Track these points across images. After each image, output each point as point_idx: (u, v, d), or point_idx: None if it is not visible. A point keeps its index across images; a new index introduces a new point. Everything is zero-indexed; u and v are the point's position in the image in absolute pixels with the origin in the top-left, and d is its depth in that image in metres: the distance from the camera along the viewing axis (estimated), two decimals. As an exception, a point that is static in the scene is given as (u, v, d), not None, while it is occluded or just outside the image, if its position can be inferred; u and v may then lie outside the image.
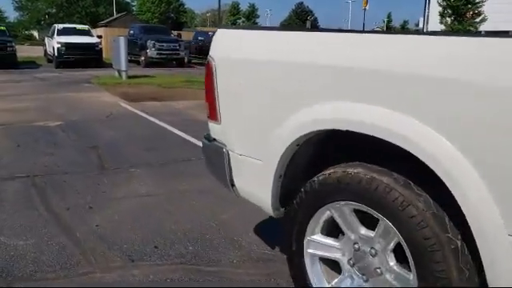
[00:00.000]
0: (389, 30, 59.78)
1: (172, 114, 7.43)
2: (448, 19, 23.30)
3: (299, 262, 1.88)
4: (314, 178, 1.76)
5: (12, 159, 4.61)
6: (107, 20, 37.78)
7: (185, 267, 2.47)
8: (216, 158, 2.19)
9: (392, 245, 1.58)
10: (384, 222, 1.55)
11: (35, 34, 51.99)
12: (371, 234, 1.65)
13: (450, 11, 23.19)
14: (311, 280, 1.87)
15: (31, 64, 18.72)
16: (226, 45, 2.08)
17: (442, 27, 23.30)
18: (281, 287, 2.31)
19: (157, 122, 6.78)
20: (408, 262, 1.53)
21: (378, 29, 60.54)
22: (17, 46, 17.79)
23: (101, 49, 18.23)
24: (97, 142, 5.37)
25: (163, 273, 2.42)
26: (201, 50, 21.16)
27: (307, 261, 1.86)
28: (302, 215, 1.82)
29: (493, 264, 1.30)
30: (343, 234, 1.76)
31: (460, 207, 1.33)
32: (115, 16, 40.08)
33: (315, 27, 48.67)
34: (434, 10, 24.42)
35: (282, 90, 1.81)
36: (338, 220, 1.72)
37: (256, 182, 2.00)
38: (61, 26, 19.53)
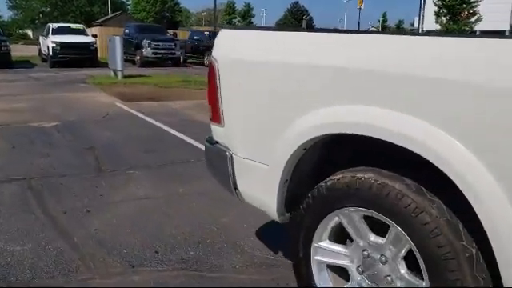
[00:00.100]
0: (384, 29, 59.93)
1: (169, 115, 7.37)
2: (443, 19, 23.37)
3: (306, 269, 1.83)
4: (321, 183, 1.71)
5: (7, 161, 4.54)
6: (102, 19, 37.57)
7: (186, 273, 2.42)
8: (219, 162, 2.15)
9: (403, 252, 1.54)
10: (395, 229, 1.51)
11: (29, 33, 51.67)
12: (381, 240, 1.60)
13: (445, 11, 23.27)
14: None
15: (25, 63, 18.55)
16: (230, 46, 2.03)
17: (438, 27, 23.38)
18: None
19: (154, 122, 6.72)
20: (419, 270, 1.49)
21: (373, 28, 60.66)
22: (11, 46, 17.63)
23: (96, 48, 18.10)
24: (93, 143, 5.30)
25: (164, 279, 2.36)
26: (196, 50, 21.09)
27: (314, 268, 1.82)
28: (309, 221, 1.77)
29: (508, 265, 1.26)
30: (351, 240, 1.72)
31: (473, 213, 1.29)
32: (110, 15, 39.87)
33: (311, 27, 48.71)
34: (430, 9, 24.48)
35: (289, 92, 1.76)
36: (347, 226, 1.67)
37: (261, 186, 1.95)
38: (55, 25, 19.37)
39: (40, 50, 20.19)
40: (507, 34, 23.64)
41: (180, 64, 19.24)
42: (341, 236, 1.76)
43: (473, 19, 23.05)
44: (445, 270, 1.39)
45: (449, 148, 1.31)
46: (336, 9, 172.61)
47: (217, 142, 2.17)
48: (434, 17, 23.35)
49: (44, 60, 18.84)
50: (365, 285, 1.69)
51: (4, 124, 6.32)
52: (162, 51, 18.61)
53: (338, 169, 1.70)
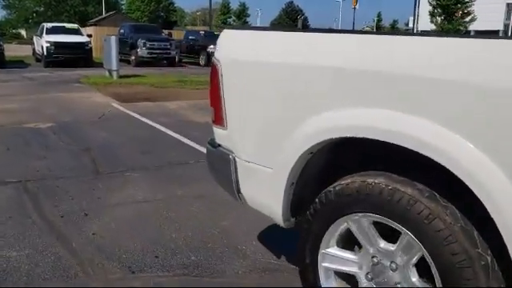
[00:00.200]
0: (378, 29, 60.07)
1: (166, 115, 7.30)
2: (438, 18, 23.45)
3: (313, 275, 1.78)
4: (329, 188, 1.66)
5: (2, 163, 4.46)
6: (96, 19, 37.31)
7: (188, 278, 2.37)
8: (221, 165, 2.10)
9: (415, 259, 1.49)
10: (407, 236, 1.46)
11: (23, 32, 51.26)
12: (391, 247, 1.56)
13: (439, 10, 23.34)
14: (325, 295, 1.77)
15: (19, 63, 18.39)
16: (233, 46, 1.98)
17: (432, 27, 23.45)
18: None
19: (150, 123, 6.65)
20: (430, 277, 1.45)
21: (367, 28, 60.78)
22: (4, 45, 17.47)
23: (91, 48, 17.97)
24: (90, 145, 5.23)
25: (165, 285, 2.31)
26: (192, 50, 21.02)
27: (321, 275, 1.77)
28: (316, 227, 1.72)
29: None
30: (359, 246, 1.68)
31: (487, 220, 1.25)
32: (104, 15, 39.61)
33: (306, 27, 48.72)
34: (424, 9, 24.54)
35: (296, 94, 1.71)
36: (356, 232, 1.63)
37: (265, 191, 1.90)
38: (50, 24, 19.20)
39: (34, 49, 20.03)
40: (501, 33, 23.79)
41: (175, 64, 19.15)
42: (349, 242, 1.71)
43: (467, 19, 23.16)
44: (460, 279, 1.34)
45: (459, 148, 1.28)
46: (330, 8, 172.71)
47: (219, 145, 2.12)
48: (429, 17, 23.42)
49: (38, 60, 18.69)
50: (374, 292, 1.65)
51: (-2, 125, 6.24)
52: (158, 51, 18.53)
53: (346, 172, 1.66)
